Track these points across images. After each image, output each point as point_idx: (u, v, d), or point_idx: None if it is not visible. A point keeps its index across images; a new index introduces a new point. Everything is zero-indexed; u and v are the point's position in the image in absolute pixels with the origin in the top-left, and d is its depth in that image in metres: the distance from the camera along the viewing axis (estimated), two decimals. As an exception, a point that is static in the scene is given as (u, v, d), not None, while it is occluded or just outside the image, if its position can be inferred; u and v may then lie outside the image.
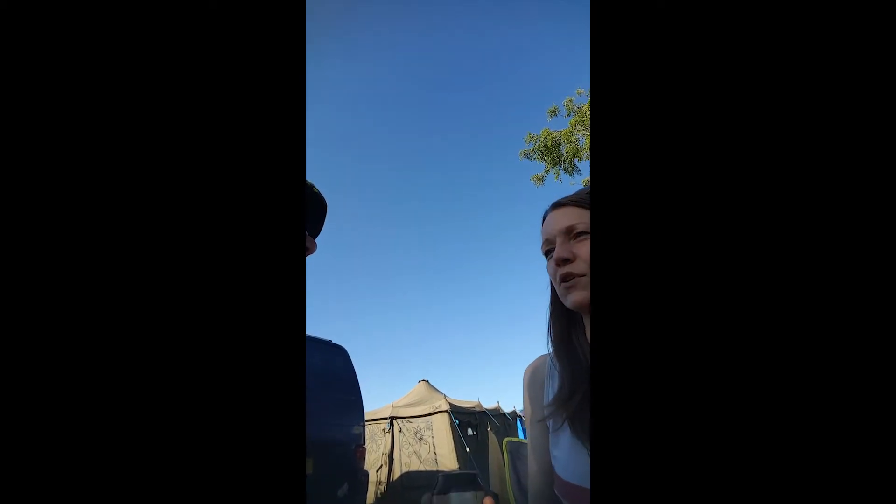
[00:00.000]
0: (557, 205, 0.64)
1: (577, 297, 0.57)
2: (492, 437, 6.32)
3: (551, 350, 0.65)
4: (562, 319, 0.65)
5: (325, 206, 0.71)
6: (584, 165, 7.58)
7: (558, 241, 0.61)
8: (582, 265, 0.57)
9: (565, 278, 0.58)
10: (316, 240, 0.71)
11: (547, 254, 0.63)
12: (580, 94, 7.55)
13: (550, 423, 0.61)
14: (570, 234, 0.60)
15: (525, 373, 0.69)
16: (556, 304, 0.65)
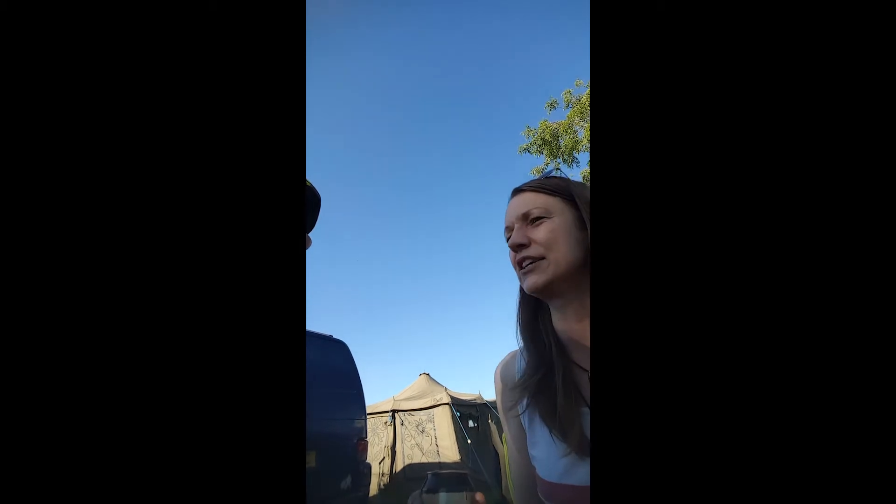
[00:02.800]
0: (516, 191, 0.64)
1: (532, 280, 0.56)
2: (493, 429, 6.37)
3: (518, 335, 0.66)
4: (529, 305, 0.65)
5: (319, 200, 0.71)
6: (583, 157, 7.57)
7: (515, 227, 0.60)
8: (538, 249, 0.57)
9: (521, 263, 0.58)
10: (317, 235, 0.71)
11: (508, 240, 0.62)
12: (579, 85, 7.51)
13: (525, 417, 0.60)
14: (527, 219, 0.60)
15: (496, 368, 0.69)
16: (523, 290, 0.65)
